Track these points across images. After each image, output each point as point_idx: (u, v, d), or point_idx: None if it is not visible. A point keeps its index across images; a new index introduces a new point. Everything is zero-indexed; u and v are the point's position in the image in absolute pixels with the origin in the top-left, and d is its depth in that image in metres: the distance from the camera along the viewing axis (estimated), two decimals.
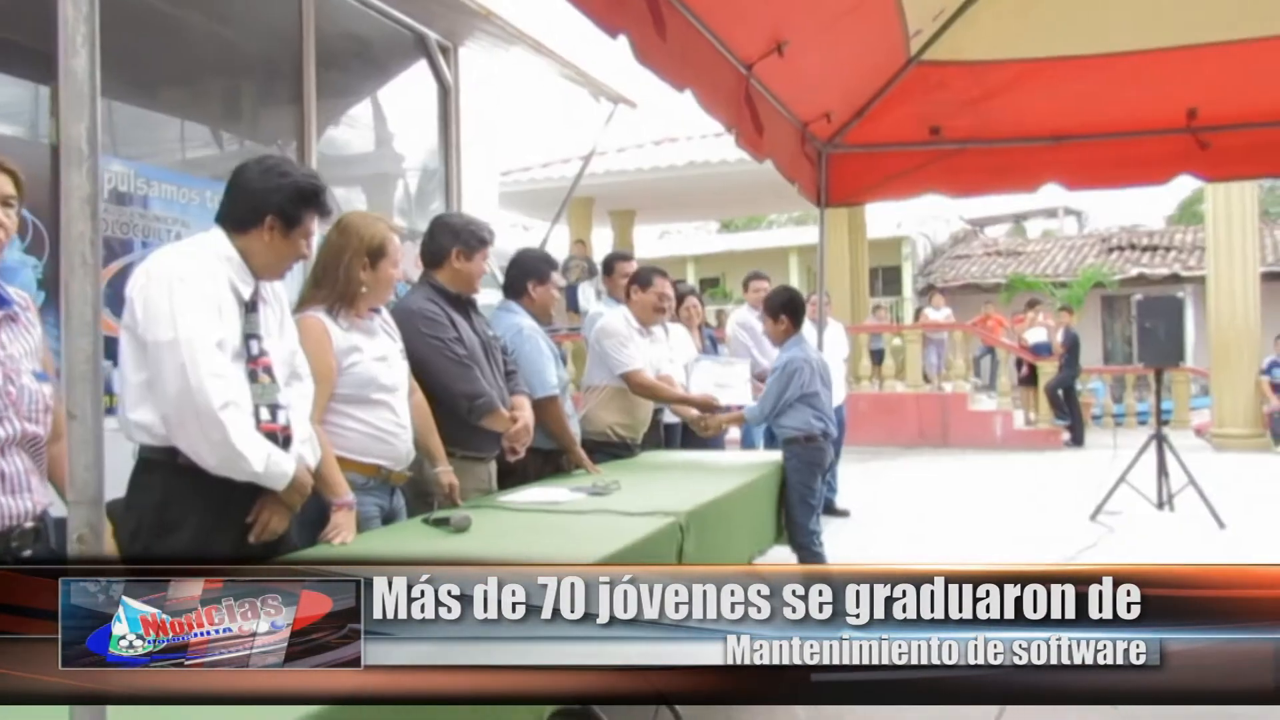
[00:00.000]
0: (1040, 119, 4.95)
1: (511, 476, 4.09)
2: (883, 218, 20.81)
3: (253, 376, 2.47)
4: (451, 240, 3.79)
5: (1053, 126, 4.97)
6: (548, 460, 4.35)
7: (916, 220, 23.75)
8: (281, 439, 2.48)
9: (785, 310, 4.76)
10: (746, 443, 6.92)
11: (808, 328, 7.93)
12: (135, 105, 4.68)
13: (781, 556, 4.65)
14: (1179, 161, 4.83)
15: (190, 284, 2.37)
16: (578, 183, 8.20)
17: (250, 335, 2.51)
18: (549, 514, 3.32)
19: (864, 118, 5.02)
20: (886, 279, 23.83)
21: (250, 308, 2.54)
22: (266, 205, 2.53)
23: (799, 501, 4.63)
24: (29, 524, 2.14)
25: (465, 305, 3.84)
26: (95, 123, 1.16)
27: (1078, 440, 13.32)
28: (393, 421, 3.11)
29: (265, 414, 2.45)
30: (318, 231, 2.71)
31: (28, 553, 2.14)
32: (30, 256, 3.74)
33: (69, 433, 1.16)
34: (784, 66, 3.83)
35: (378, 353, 3.10)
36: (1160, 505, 8.03)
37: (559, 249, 13.22)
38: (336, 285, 3.01)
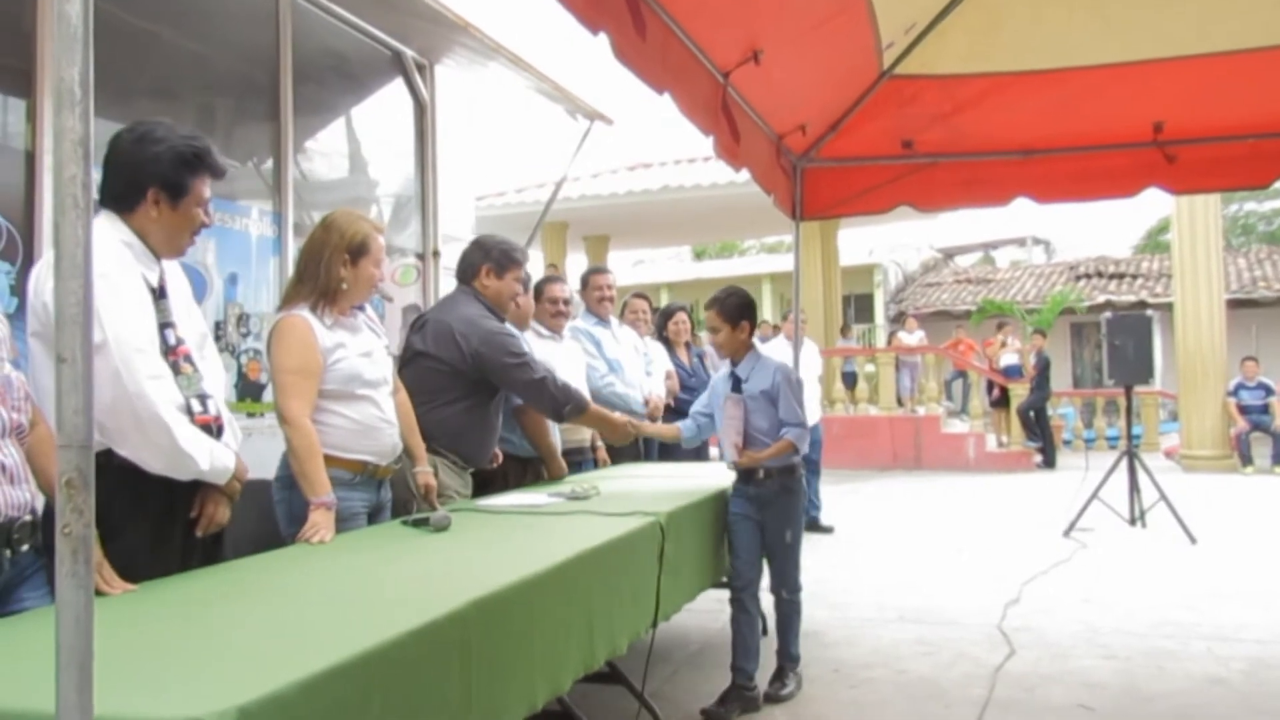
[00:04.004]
0: (1010, 133, 5.00)
1: (490, 485, 4.09)
2: (855, 245, 21.01)
3: (175, 368, 2.33)
4: (481, 257, 3.89)
5: (1022, 140, 5.02)
6: (527, 468, 4.35)
7: (888, 248, 24.01)
8: (215, 429, 2.40)
9: (747, 315, 3.98)
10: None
11: (784, 346, 7.98)
12: (107, 119, 4.65)
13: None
14: (1147, 174, 4.88)
15: (111, 280, 2.17)
16: (550, 206, 8.22)
17: (165, 324, 2.35)
18: (530, 515, 3.32)
19: (838, 131, 5.05)
20: (859, 306, 24.04)
21: (160, 294, 2.38)
22: (146, 178, 2.32)
23: (795, 541, 3.98)
24: (27, 516, 2.09)
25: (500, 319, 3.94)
26: (88, 66, 1.16)
27: (1049, 462, 13.44)
28: (377, 416, 3.10)
29: (196, 406, 2.34)
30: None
31: (25, 547, 2.08)
32: (3, 262, 3.68)
33: (58, 377, 1.15)
34: (760, 76, 3.87)
35: (362, 348, 3.09)
36: (1132, 521, 8.10)
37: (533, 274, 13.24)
38: (318, 281, 3.01)
